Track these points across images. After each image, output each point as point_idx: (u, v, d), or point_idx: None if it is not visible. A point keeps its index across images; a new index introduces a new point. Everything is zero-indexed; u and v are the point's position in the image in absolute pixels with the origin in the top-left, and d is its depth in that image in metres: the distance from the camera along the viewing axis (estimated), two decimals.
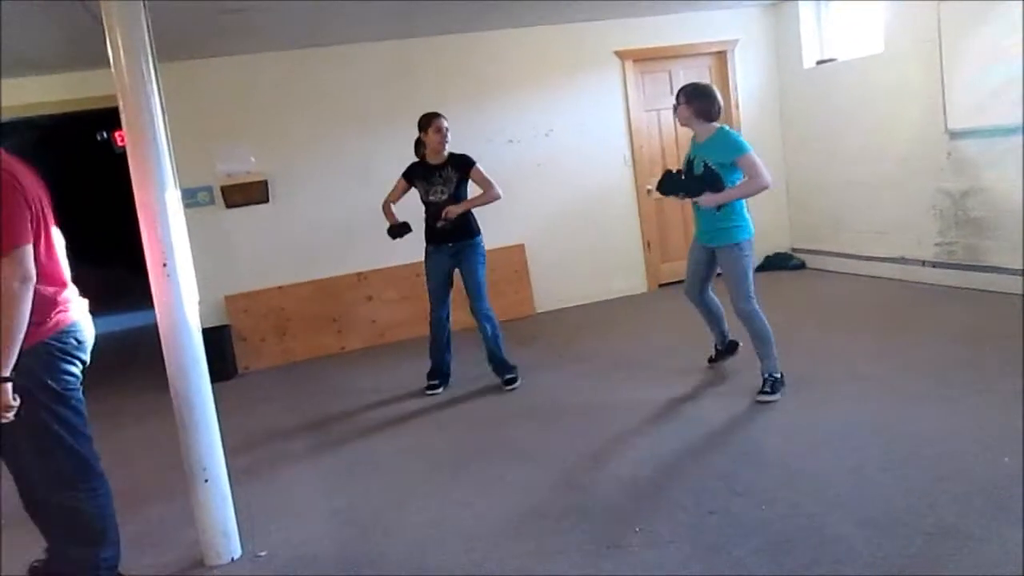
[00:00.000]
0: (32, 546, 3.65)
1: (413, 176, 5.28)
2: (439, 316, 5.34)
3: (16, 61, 5.42)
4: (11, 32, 4.61)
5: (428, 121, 5.14)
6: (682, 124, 4.66)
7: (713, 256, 4.65)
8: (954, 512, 2.99)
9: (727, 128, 4.55)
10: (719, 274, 4.68)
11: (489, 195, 5.21)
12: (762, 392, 4.47)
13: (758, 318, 4.52)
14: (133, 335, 9.02)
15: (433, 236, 5.27)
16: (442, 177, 5.18)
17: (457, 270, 5.32)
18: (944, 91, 6.09)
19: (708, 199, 4.45)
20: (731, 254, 4.52)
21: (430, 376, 5.43)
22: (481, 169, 5.23)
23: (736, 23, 7.78)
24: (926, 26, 6.12)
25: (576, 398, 4.95)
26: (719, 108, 4.53)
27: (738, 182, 4.42)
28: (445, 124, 5.12)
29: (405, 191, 5.34)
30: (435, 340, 5.39)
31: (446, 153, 5.19)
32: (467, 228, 5.25)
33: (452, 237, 5.20)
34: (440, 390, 5.36)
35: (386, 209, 5.36)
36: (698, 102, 4.51)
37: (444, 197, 5.16)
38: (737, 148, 4.41)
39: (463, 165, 5.21)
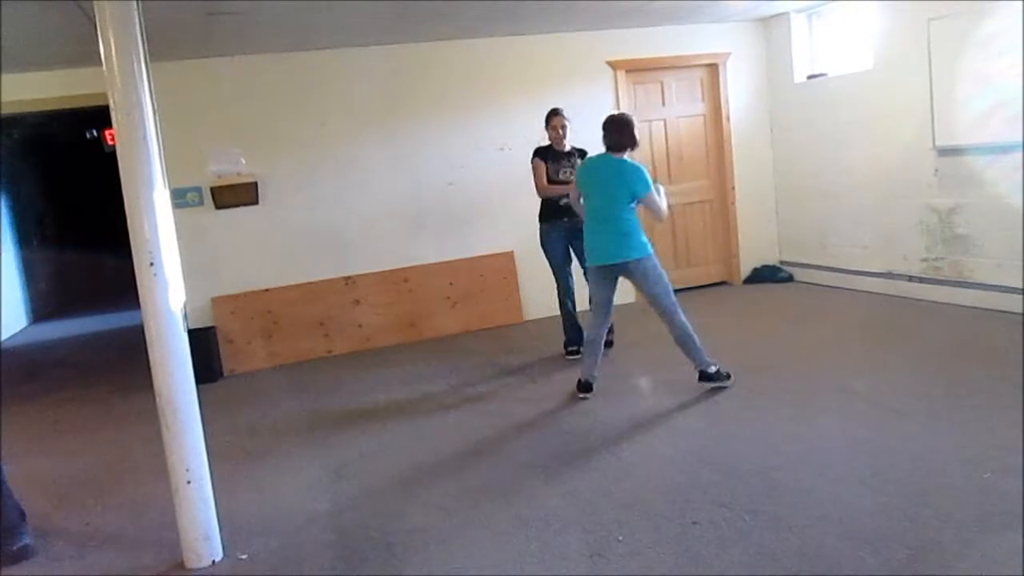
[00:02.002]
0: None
1: (544, 157, 5.86)
2: (568, 286, 5.99)
3: (6, 57, 5.39)
4: (2, 28, 4.59)
5: (548, 118, 5.91)
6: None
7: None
8: (936, 527, 3.01)
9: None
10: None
11: None
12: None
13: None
14: (124, 334, 8.98)
15: (552, 214, 5.85)
16: (570, 162, 5.81)
17: (571, 248, 5.87)
18: (933, 108, 6.14)
19: None
20: None
21: (571, 344, 5.95)
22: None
23: (728, 36, 7.82)
24: (916, 44, 6.17)
25: (559, 407, 4.94)
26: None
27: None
28: (563, 121, 5.83)
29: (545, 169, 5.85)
30: (568, 311, 6.00)
31: (567, 145, 5.86)
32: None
33: (570, 213, 5.58)
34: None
35: (549, 189, 5.80)
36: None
37: (572, 177, 5.61)
38: None
39: (584, 156, 5.73)
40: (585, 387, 5.01)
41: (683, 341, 4.80)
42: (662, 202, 4.81)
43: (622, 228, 4.75)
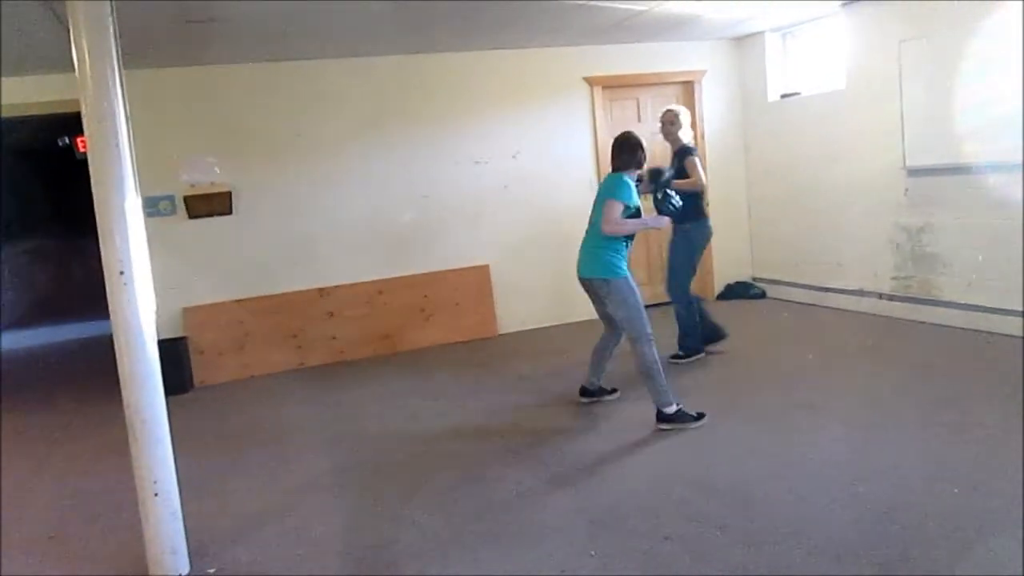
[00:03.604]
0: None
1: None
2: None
3: None
4: None
5: (662, 117, 5.93)
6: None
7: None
8: (904, 543, 3.03)
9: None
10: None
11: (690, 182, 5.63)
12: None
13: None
14: (93, 344, 8.87)
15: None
16: (676, 164, 5.75)
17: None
18: (903, 128, 6.23)
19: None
20: None
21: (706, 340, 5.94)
22: (694, 160, 5.70)
23: (704, 54, 7.90)
24: (887, 64, 6.27)
25: (529, 422, 4.93)
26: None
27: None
28: (670, 116, 5.82)
29: None
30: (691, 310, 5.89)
31: (681, 142, 5.82)
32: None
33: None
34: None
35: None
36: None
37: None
38: None
39: (683, 153, 5.78)
40: (584, 392, 5.08)
41: (644, 374, 4.55)
42: (632, 223, 4.62)
43: (595, 244, 4.68)
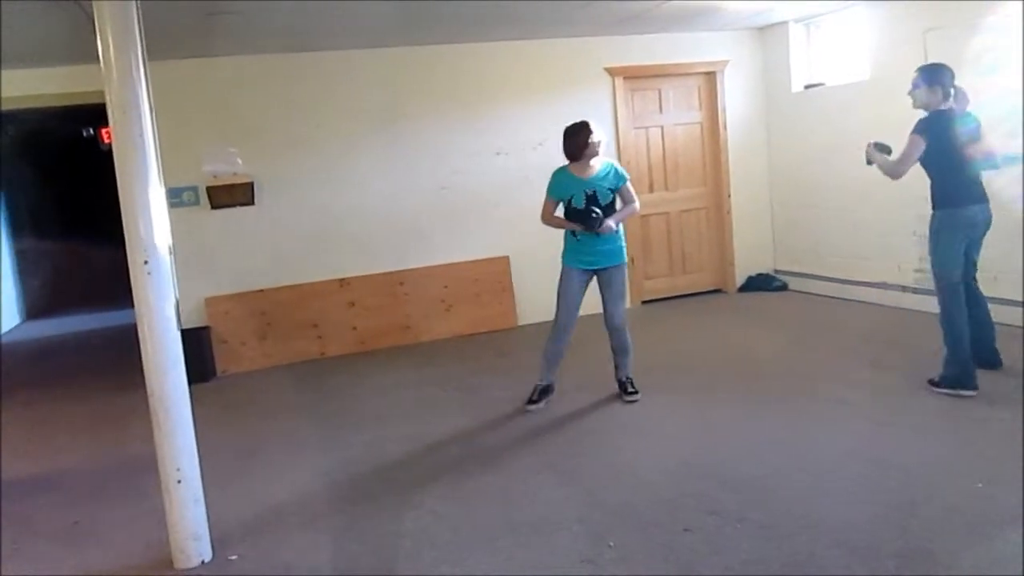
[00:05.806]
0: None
1: None
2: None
3: (3, 53, 5.38)
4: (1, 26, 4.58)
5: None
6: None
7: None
8: (925, 536, 3.02)
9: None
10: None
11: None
12: (629, 393, 4.98)
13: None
14: (118, 333, 8.96)
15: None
16: None
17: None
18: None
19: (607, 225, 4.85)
20: (622, 271, 5.00)
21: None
22: (911, 136, 4.81)
23: (726, 44, 7.84)
24: (912, 55, 6.19)
25: (550, 414, 4.93)
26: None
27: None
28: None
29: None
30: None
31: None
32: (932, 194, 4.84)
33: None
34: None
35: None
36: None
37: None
38: (621, 177, 5.04)
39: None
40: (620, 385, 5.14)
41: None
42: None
43: None
